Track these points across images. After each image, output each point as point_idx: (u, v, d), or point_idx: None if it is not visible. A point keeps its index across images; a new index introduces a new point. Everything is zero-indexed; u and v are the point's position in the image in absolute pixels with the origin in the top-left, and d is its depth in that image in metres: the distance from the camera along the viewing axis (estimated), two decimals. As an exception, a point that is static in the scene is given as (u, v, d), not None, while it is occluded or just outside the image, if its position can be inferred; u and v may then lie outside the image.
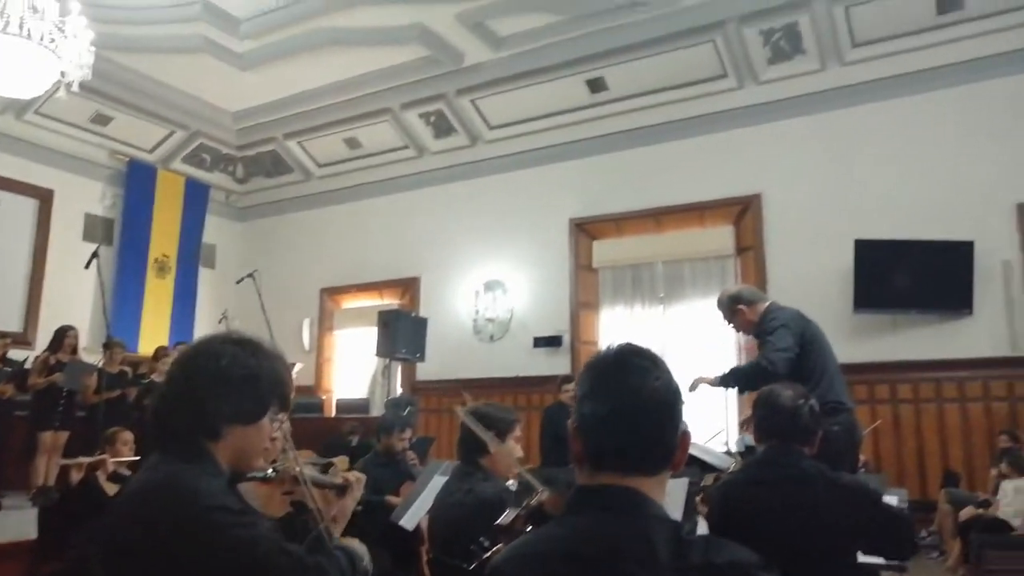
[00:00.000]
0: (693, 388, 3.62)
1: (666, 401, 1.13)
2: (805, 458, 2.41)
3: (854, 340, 5.79)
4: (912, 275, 5.61)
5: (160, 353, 6.64)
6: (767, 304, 3.66)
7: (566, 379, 5.49)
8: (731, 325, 3.80)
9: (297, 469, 1.52)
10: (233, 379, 1.35)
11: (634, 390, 1.12)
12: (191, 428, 1.32)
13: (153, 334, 8.06)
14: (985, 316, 5.57)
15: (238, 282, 7.04)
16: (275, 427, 1.42)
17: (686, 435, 1.15)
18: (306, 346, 8.74)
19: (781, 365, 3.41)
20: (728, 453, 4.51)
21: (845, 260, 5.84)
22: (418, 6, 6.16)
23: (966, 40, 5.67)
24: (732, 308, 3.72)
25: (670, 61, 6.48)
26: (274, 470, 1.52)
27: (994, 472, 4.95)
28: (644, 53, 6.48)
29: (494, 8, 6.16)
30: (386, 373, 7.47)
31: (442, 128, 7.81)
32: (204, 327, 8.33)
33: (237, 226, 9.61)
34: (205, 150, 8.68)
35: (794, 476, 2.34)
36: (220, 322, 7.42)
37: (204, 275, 8.90)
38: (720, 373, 3.66)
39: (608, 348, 1.20)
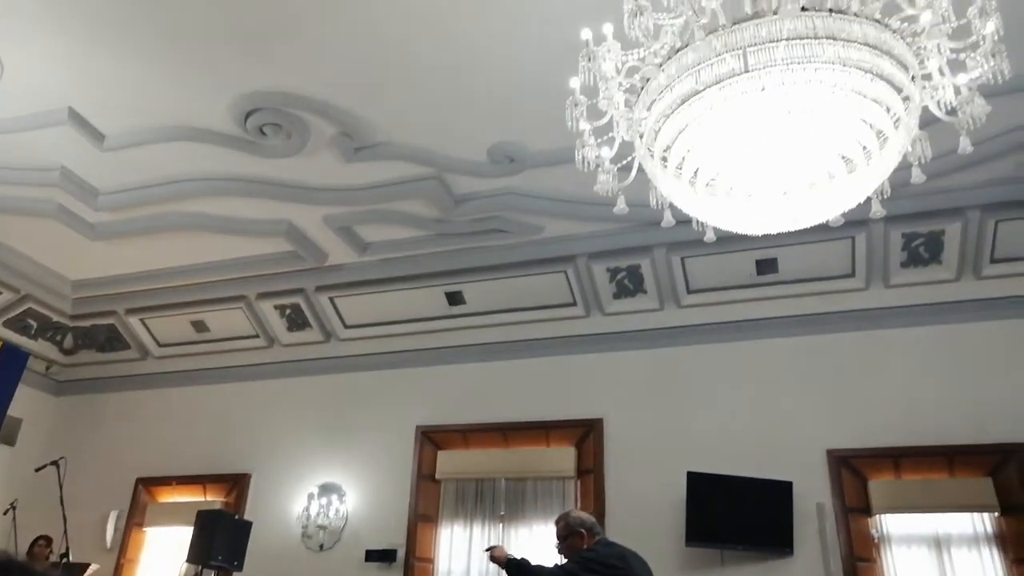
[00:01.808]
0: (488, 551, 3.86)
1: None
2: None
3: (687, 573, 5.86)
4: (739, 511, 5.83)
5: (-79, 545, 5.69)
6: (599, 538, 3.77)
7: None
8: (559, 543, 3.86)
9: None
10: None
11: None
12: None
13: (-81, 520, 6.91)
14: (804, 556, 5.80)
15: (37, 470, 6.28)
16: None
17: None
18: (108, 543, 7.75)
19: None
20: None
21: (679, 491, 6.01)
22: (289, 204, 6.28)
23: (781, 299, 6.43)
24: (574, 531, 3.79)
25: (526, 284, 6.88)
26: None
27: None
28: (502, 274, 6.86)
29: (363, 216, 6.39)
30: (195, 582, 6.70)
31: (297, 321, 7.72)
32: (-14, 514, 7.26)
33: (52, 400, 8.75)
34: (33, 316, 8.06)
35: None
36: (5, 513, 6.54)
37: (0, 453, 7.91)
38: (512, 557, 3.77)
39: None
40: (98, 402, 8.64)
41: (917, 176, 2.75)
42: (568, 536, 3.79)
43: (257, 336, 7.95)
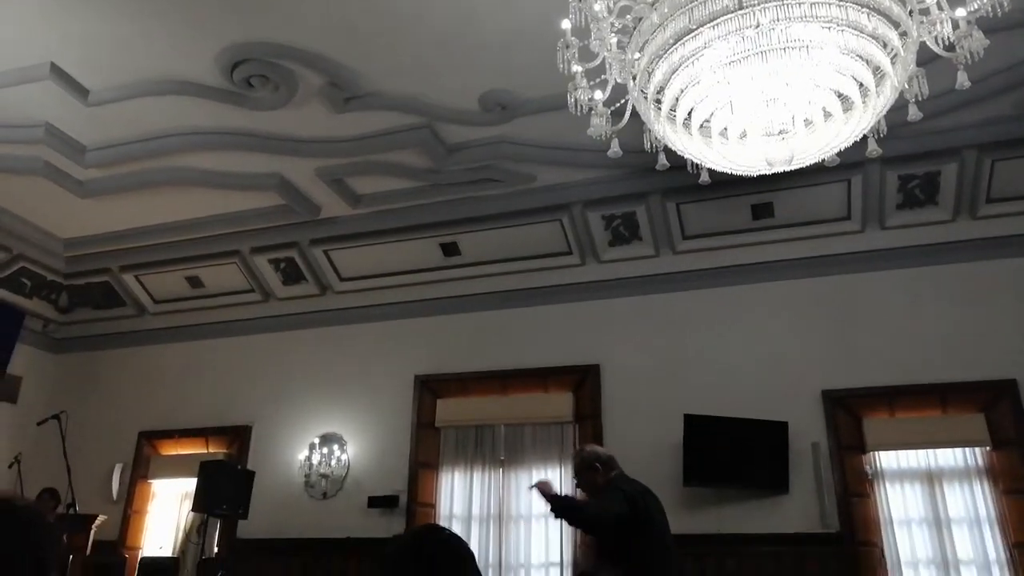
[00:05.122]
0: (533, 488, 3.72)
1: None
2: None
3: (685, 512, 5.95)
4: (735, 452, 5.92)
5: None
6: (616, 472, 3.80)
7: None
8: (577, 480, 3.89)
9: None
10: None
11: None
12: None
13: (-74, 477, 7.01)
14: (799, 494, 5.92)
15: (39, 423, 6.35)
16: None
17: None
18: (114, 495, 7.87)
19: (604, 522, 3.49)
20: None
21: (676, 434, 6.09)
22: (279, 157, 6.20)
23: (777, 243, 6.43)
24: (590, 465, 3.82)
25: (520, 234, 6.85)
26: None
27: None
28: (497, 224, 6.82)
29: (355, 167, 6.32)
30: (201, 530, 6.83)
31: (291, 275, 7.70)
32: (-8, 470, 7.36)
33: (51, 358, 8.77)
34: (27, 275, 8.02)
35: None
36: (11, 466, 6.62)
37: (2, 410, 7.98)
38: (558, 493, 3.69)
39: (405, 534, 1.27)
40: (97, 359, 8.67)
41: (914, 113, 2.72)
42: (583, 473, 3.82)
43: (252, 291, 7.94)
